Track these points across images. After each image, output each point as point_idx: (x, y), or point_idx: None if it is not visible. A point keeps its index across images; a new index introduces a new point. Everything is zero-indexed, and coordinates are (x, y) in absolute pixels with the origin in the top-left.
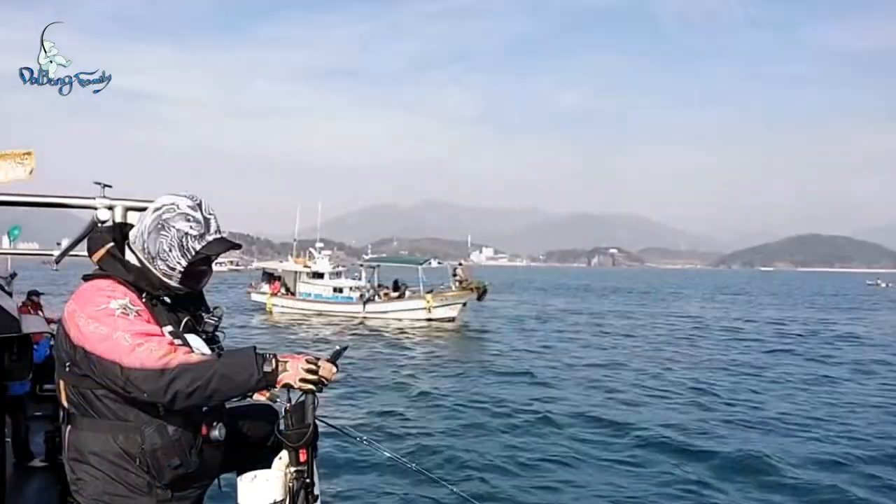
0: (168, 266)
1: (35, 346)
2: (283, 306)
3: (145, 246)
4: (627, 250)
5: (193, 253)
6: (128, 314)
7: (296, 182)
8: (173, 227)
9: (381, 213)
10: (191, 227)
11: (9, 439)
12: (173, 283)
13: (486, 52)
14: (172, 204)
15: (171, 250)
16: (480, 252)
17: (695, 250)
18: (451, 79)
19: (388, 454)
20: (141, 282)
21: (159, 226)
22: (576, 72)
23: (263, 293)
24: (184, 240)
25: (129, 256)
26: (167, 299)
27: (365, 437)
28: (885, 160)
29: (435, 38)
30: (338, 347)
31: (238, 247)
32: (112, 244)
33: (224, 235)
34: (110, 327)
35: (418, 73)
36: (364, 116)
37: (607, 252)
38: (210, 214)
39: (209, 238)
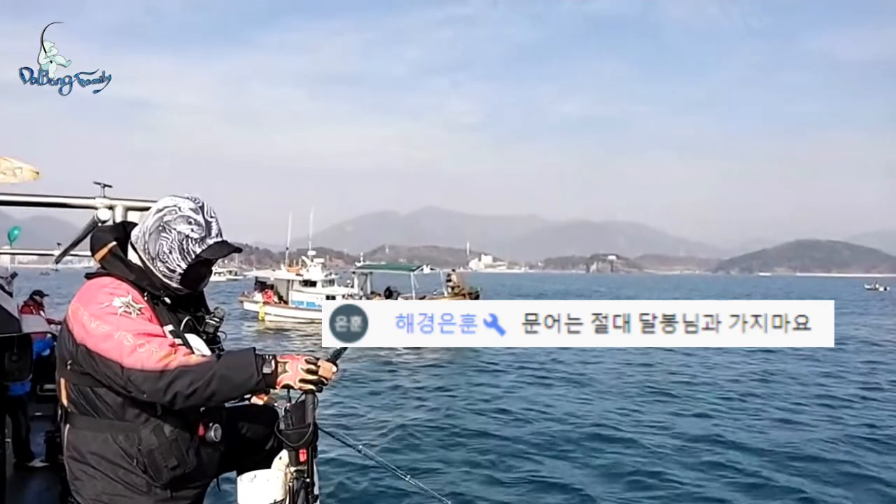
0: (168, 268)
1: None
2: (275, 315)
3: (146, 246)
4: (626, 257)
5: (193, 256)
6: (130, 313)
7: (295, 190)
8: (174, 229)
9: (381, 220)
10: (192, 230)
11: (9, 439)
12: (173, 284)
13: (487, 60)
14: (174, 206)
15: (171, 252)
16: (479, 259)
17: (693, 256)
18: (453, 86)
19: (382, 463)
20: (142, 281)
21: (160, 227)
22: (577, 80)
23: (256, 302)
24: (184, 242)
25: (131, 256)
26: (168, 300)
27: (360, 446)
28: (882, 167)
29: (437, 46)
30: (337, 347)
31: (238, 250)
32: (114, 243)
33: (225, 239)
34: (112, 326)
35: (420, 80)
36: (365, 123)
37: (606, 259)
38: (211, 217)
39: (210, 241)
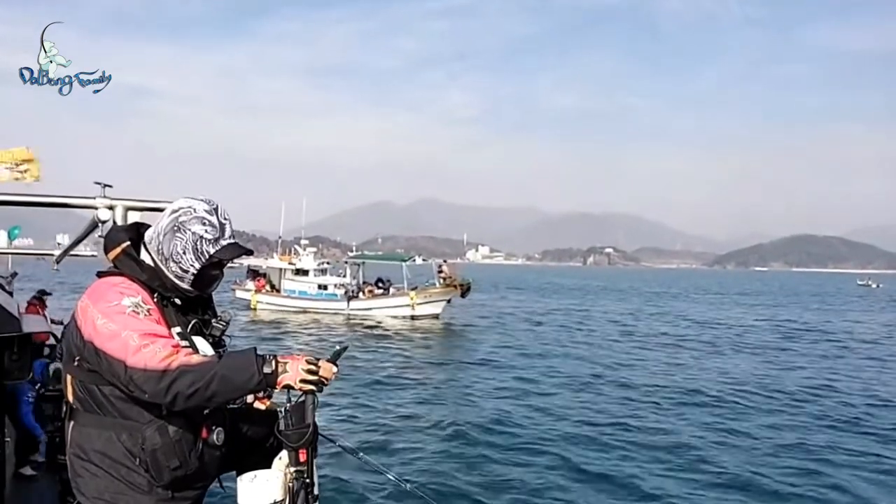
0: (181, 268)
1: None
2: (267, 303)
3: (160, 247)
4: (623, 250)
5: (207, 256)
6: (138, 313)
7: (292, 179)
8: (189, 230)
9: (378, 211)
10: (206, 231)
11: (9, 439)
12: (184, 286)
13: (485, 52)
14: (189, 207)
15: (185, 253)
16: (476, 251)
17: (690, 250)
18: (450, 77)
19: (382, 470)
20: (154, 282)
21: (175, 228)
22: (574, 72)
23: (248, 290)
24: (198, 243)
25: (143, 256)
26: (178, 301)
27: (361, 453)
28: (880, 162)
29: (434, 37)
30: (338, 347)
31: (250, 252)
32: (128, 243)
33: (237, 241)
34: (120, 325)
35: (417, 72)
36: (362, 114)
37: (603, 251)
38: (225, 219)
39: (223, 243)
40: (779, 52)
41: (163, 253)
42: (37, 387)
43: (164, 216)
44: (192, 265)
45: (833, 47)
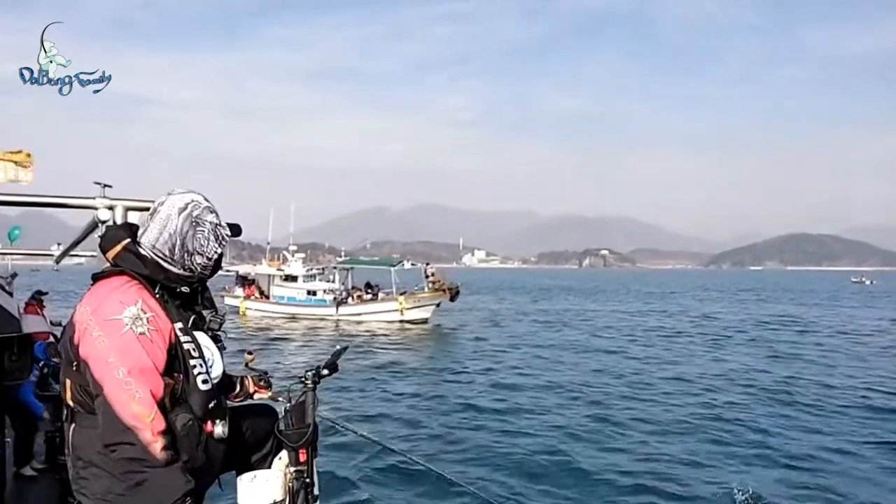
0: (206, 258)
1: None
2: (256, 309)
3: (182, 245)
4: (618, 251)
5: (225, 239)
6: (135, 331)
7: (290, 184)
8: (206, 220)
9: (376, 215)
10: (215, 217)
11: (9, 440)
12: (187, 275)
13: (484, 56)
14: (194, 201)
15: (208, 242)
16: (472, 255)
17: (686, 251)
18: (450, 82)
19: (386, 446)
20: (158, 275)
21: (194, 223)
22: (573, 76)
23: (237, 296)
24: (216, 229)
25: (143, 253)
26: (185, 289)
27: (372, 435)
28: (876, 162)
29: (434, 42)
30: (338, 347)
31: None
32: (129, 240)
33: None
34: (110, 344)
35: (417, 76)
36: (362, 119)
37: (598, 253)
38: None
39: (224, 223)
40: (777, 56)
41: (187, 249)
42: (40, 364)
43: (170, 218)
44: (215, 251)
45: (830, 50)
